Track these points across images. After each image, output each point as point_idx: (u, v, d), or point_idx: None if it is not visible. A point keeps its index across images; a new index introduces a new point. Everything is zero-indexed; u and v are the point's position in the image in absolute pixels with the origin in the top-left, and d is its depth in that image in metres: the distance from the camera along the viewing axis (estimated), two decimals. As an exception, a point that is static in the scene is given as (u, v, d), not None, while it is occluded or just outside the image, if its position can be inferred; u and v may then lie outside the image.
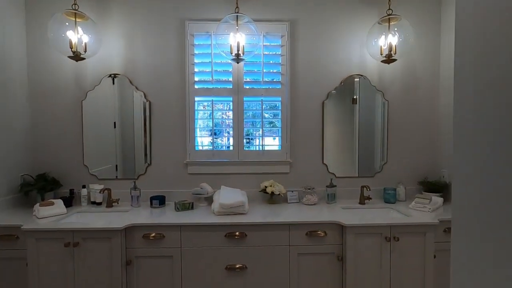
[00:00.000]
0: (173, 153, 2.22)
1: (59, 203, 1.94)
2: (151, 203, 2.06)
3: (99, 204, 2.11)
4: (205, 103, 2.26)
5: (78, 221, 1.91)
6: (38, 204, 1.88)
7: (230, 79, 2.19)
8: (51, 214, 1.83)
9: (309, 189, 2.16)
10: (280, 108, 2.21)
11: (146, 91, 2.20)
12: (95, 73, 2.18)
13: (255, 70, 2.20)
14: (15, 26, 2.05)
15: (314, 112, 2.24)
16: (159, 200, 2.06)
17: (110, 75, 2.16)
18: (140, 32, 2.17)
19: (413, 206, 1.95)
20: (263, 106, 2.19)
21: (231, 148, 2.23)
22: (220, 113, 2.31)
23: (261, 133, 2.21)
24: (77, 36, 1.89)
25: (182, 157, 2.22)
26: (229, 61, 2.15)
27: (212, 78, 2.15)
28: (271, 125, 2.28)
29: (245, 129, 2.23)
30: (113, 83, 2.16)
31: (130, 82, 2.18)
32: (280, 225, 1.75)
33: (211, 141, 2.22)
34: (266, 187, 2.14)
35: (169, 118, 2.21)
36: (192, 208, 2.01)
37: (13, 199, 2.02)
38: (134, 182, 2.09)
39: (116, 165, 2.22)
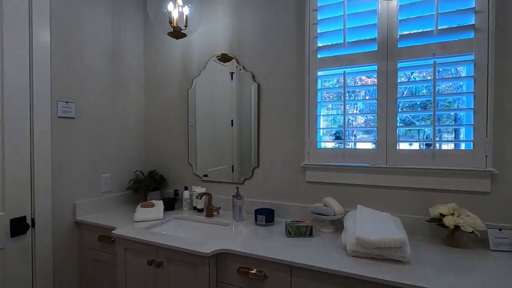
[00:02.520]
0: (286, 151, 1.61)
1: (159, 205, 1.68)
2: (256, 219, 1.51)
3: (201, 210, 1.75)
4: (333, 79, 1.55)
5: (169, 233, 1.56)
6: (140, 204, 1.67)
7: (374, 37, 1.39)
8: (146, 218, 1.56)
9: (545, 230, 1.07)
10: (473, 74, 1.22)
11: (254, 70, 1.69)
12: (201, 56, 1.86)
13: (420, 16, 1.31)
14: (134, 19, 1.98)
15: (553, 78, 1.13)
16: (266, 216, 1.49)
17: (217, 57, 1.79)
18: (248, -5, 1.70)
19: None
20: (436, 74, 1.26)
21: (373, 146, 1.42)
22: (354, 93, 1.54)
23: (431, 121, 1.28)
24: (177, 8, 1.58)
25: (298, 158, 1.58)
26: (371, 10, 1.36)
27: (344, 40, 1.42)
28: (452, 106, 1.31)
29: (400, 115, 1.36)
30: (232, 79, 1.76)
31: (237, 61, 1.74)
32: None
33: (341, 135, 1.47)
34: (443, 215, 1.20)
35: (282, 103, 1.62)
36: (311, 234, 1.32)
37: (125, 195, 1.92)
38: (237, 189, 1.60)
39: (233, 166, 1.80)
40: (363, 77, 1.60)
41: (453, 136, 1.37)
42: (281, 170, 1.63)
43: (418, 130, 1.45)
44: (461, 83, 1.33)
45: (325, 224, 1.40)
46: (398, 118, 1.34)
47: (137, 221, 1.54)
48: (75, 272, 1.61)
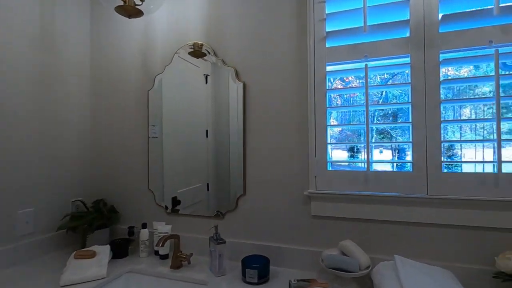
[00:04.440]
0: (283, 175, 1.18)
1: (102, 254, 1.17)
2: (244, 273, 1.05)
3: (165, 257, 1.26)
4: (349, 77, 1.16)
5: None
6: (73, 254, 1.15)
7: (406, 18, 1.02)
8: (80, 279, 1.04)
9: None
10: (548, 69, 0.88)
11: (238, 65, 1.26)
12: (166, 47, 1.39)
13: (467, -9, 0.96)
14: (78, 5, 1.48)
15: None
16: (259, 270, 1.04)
17: (188, 52, 1.34)
18: (229, -34, 1.28)
19: None
20: (499, 66, 0.91)
21: (408, 168, 1.03)
22: (379, 93, 1.16)
23: (496, 134, 0.92)
24: (130, -25, 1.12)
25: (300, 183, 1.16)
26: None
27: (364, 22, 1.03)
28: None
29: (444, 125, 0.99)
30: (206, 82, 1.32)
31: (215, 53, 1.30)
32: None
33: (364, 153, 1.08)
34: (522, 272, 0.83)
35: (276, 108, 1.20)
36: (329, 302, 0.89)
37: (57, 237, 1.37)
38: (215, 228, 1.14)
39: (208, 184, 1.34)
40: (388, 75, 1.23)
41: None
42: (276, 200, 1.19)
43: (471, 148, 1.09)
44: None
45: (344, 281, 0.98)
46: (442, 129, 0.97)
47: (64, 286, 1.02)
48: None
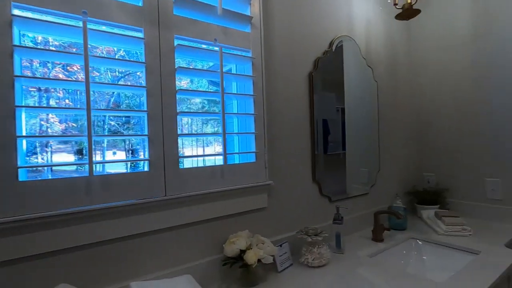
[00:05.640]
0: None
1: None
2: None
3: None
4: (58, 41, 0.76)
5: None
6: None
7: (137, -19, 0.82)
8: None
9: (310, 234, 1.11)
10: (251, 73, 1.05)
11: None
12: None
13: (197, -19, 0.94)
14: None
15: (296, 90, 1.24)
16: None
17: None
18: None
19: (448, 231, 1.33)
20: (222, 66, 0.95)
21: (145, 167, 0.85)
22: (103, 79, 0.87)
23: (221, 126, 0.95)
24: None
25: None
26: None
27: (78, -39, 0.71)
28: (231, 109, 1.08)
29: (181, 117, 0.91)
30: None
31: None
32: None
33: (82, 153, 0.76)
34: (243, 251, 0.91)
35: None
36: None
37: None
38: None
39: None
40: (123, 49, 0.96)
41: (248, 145, 1.14)
42: None
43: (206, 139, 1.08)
44: (246, 83, 1.14)
45: None
46: (178, 120, 0.88)
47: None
48: None
